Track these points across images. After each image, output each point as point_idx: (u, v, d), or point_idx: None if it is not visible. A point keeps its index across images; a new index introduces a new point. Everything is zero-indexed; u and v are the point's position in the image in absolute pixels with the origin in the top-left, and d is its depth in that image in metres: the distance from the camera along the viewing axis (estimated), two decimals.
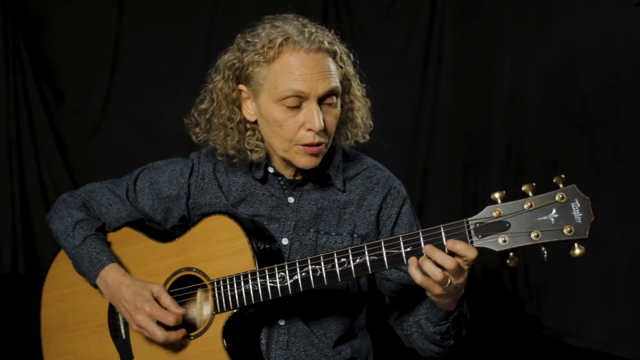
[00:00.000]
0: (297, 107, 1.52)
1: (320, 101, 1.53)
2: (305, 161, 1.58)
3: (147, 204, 1.76)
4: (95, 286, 1.68)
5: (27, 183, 5.13)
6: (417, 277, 1.35)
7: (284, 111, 1.53)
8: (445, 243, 1.33)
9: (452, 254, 1.33)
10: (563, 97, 4.04)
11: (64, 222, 1.72)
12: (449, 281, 1.34)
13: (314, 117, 1.51)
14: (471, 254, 1.31)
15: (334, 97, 1.55)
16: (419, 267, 1.35)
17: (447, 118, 4.55)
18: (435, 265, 1.33)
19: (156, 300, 1.59)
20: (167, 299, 1.58)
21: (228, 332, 1.55)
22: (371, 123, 1.71)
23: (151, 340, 1.62)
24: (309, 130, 1.53)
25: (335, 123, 1.58)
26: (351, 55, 1.64)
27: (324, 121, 1.53)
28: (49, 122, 5.10)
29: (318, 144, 1.55)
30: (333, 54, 1.55)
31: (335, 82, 1.54)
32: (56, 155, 5.12)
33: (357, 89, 1.66)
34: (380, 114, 1.76)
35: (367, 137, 1.70)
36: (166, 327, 1.57)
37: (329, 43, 1.53)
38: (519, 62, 4.22)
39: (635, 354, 3.68)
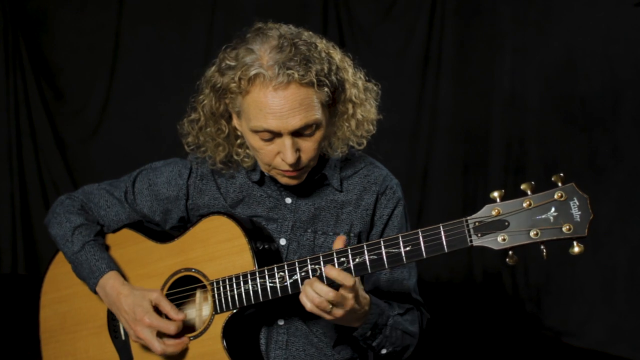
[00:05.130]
0: (272, 139, 1.50)
1: (296, 133, 1.49)
2: (286, 181, 1.58)
3: (146, 206, 1.76)
4: (95, 292, 1.68)
5: (27, 183, 5.13)
6: (307, 305, 1.40)
7: (259, 140, 1.51)
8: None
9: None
10: (563, 97, 4.04)
11: (63, 227, 1.72)
12: (329, 308, 1.38)
13: (286, 151, 1.48)
14: (348, 282, 1.36)
15: (312, 127, 1.49)
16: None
17: (447, 118, 4.54)
18: (314, 293, 1.38)
19: (155, 307, 1.59)
20: (166, 305, 1.58)
21: (228, 332, 1.55)
22: (372, 128, 1.64)
23: None
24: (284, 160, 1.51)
25: (316, 147, 1.53)
26: (348, 60, 1.59)
27: (300, 149, 1.50)
28: (49, 122, 5.10)
29: (296, 169, 1.54)
30: (309, 84, 1.44)
31: (310, 116, 1.46)
32: (56, 155, 5.12)
33: (355, 95, 1.59)
34: (379, 114, 1.74)
35: (364, 142, 1.64)
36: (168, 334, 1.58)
37: (304, 71, 1.42)
38: (519, 62, 4.22)
39: (635, 354, 3.68)
